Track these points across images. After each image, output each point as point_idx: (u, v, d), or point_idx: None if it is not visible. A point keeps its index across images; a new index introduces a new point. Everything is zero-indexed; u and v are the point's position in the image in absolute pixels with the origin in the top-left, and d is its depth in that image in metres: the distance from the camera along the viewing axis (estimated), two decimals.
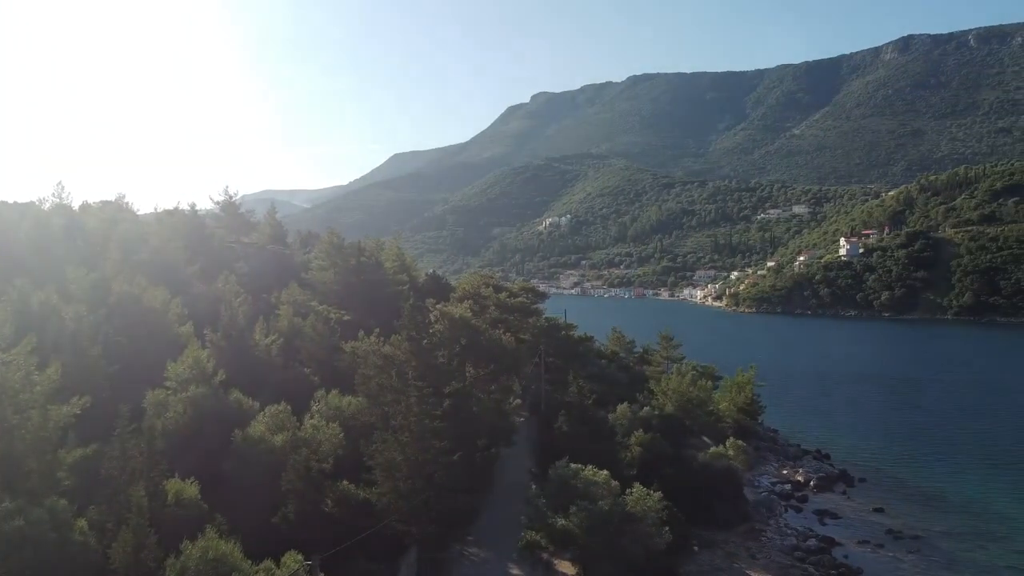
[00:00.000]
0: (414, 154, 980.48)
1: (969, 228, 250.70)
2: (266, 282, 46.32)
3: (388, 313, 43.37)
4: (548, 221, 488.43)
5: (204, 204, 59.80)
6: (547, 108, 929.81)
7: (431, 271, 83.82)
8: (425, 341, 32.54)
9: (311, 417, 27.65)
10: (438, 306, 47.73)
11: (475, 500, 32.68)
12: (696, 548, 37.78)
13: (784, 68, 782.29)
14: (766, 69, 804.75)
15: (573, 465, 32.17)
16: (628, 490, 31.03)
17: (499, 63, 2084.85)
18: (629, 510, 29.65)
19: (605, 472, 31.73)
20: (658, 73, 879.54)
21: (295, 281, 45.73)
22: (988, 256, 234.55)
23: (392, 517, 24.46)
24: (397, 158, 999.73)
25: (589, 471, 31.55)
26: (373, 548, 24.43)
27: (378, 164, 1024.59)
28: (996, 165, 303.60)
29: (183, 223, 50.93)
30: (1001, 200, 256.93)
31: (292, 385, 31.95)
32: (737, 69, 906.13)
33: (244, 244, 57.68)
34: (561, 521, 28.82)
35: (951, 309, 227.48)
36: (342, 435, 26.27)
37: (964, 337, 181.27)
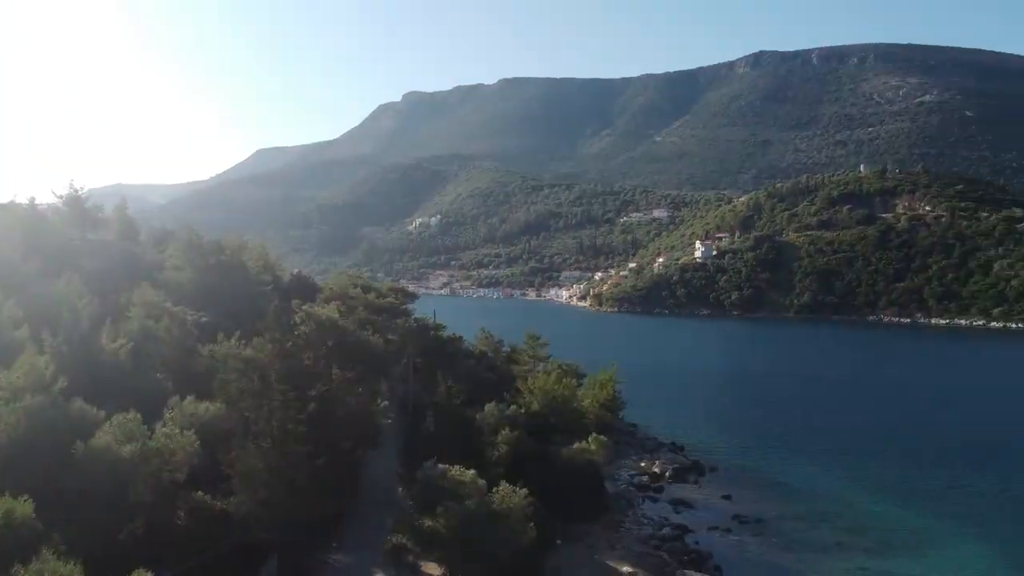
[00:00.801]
0: (280, 150, 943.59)
1: (809, 233, 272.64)
2: (115, 282, 43.29)
3: (250, 315, 41.69)
4: (418, 221, 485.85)
5: (46, 198, 55.09)
6: (418, 108, 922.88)
7: (296, 271, 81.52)
8: (290, 343, 31.64)
9: (164, 425, 26.27)
10: (304, 307, 46.52)
11: (340, 505, 32.18)
12: (559, 542, 38.94)
13: (648, 77, 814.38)
14: (631, 78, 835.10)
15: (440, 466, 32.36)
16: (495, 489, 31.58)
17: (369, 60, 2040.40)
18: (495, 508, 30.18)
19: (472, 472, 32.09)
20: (529, 77, 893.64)
21: (147, 281, 43.16)
22: (824, 259, 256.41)
23: (251, 526, 23.73)
24: (261, 154, 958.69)
25: (456, 471, 31.80)
26: (231, 559, 23.62)
27: (241, 160, 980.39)
28: (833, 175, 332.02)
29: (19, 217, 46.80)
30: (836, 207, 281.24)
31: (143, 392, 30.13)
32: (604, 76, 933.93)
33: (90, 241, 53.67)
34: (428, 522, 28.96)
35: (792, 308, 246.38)
36: (198, 443, 25.14)
37: (803, 334, 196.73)
